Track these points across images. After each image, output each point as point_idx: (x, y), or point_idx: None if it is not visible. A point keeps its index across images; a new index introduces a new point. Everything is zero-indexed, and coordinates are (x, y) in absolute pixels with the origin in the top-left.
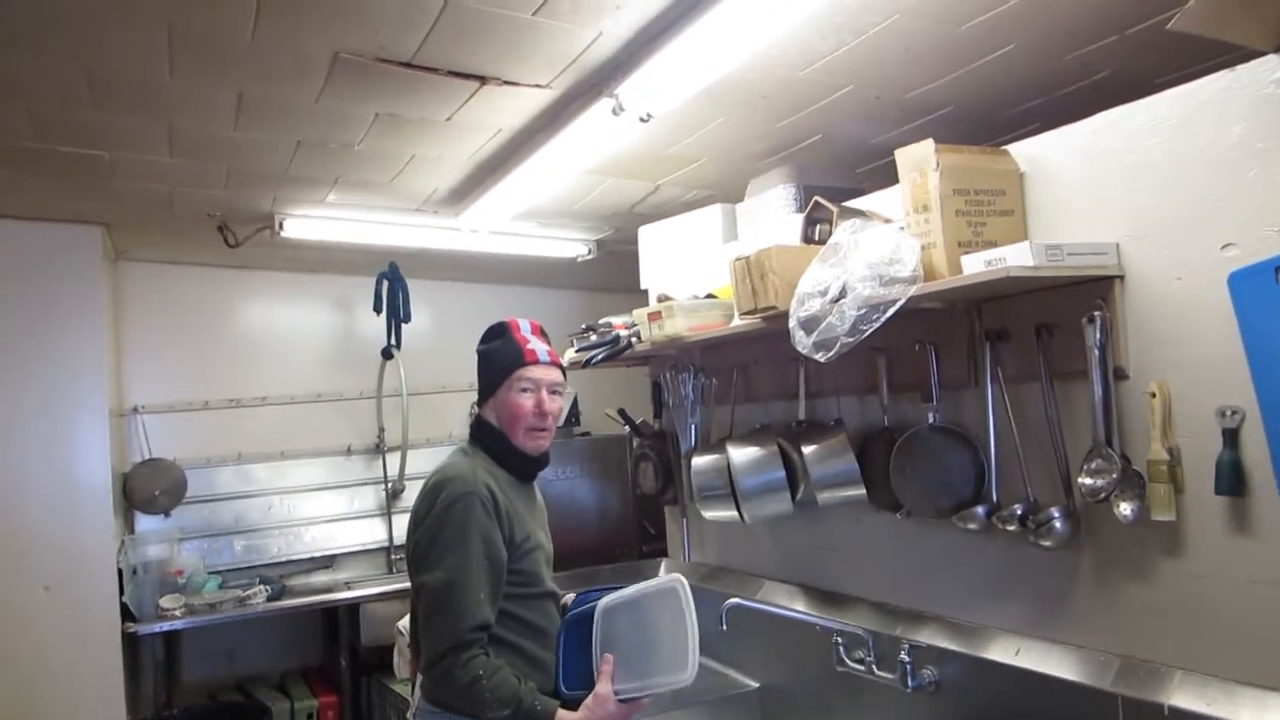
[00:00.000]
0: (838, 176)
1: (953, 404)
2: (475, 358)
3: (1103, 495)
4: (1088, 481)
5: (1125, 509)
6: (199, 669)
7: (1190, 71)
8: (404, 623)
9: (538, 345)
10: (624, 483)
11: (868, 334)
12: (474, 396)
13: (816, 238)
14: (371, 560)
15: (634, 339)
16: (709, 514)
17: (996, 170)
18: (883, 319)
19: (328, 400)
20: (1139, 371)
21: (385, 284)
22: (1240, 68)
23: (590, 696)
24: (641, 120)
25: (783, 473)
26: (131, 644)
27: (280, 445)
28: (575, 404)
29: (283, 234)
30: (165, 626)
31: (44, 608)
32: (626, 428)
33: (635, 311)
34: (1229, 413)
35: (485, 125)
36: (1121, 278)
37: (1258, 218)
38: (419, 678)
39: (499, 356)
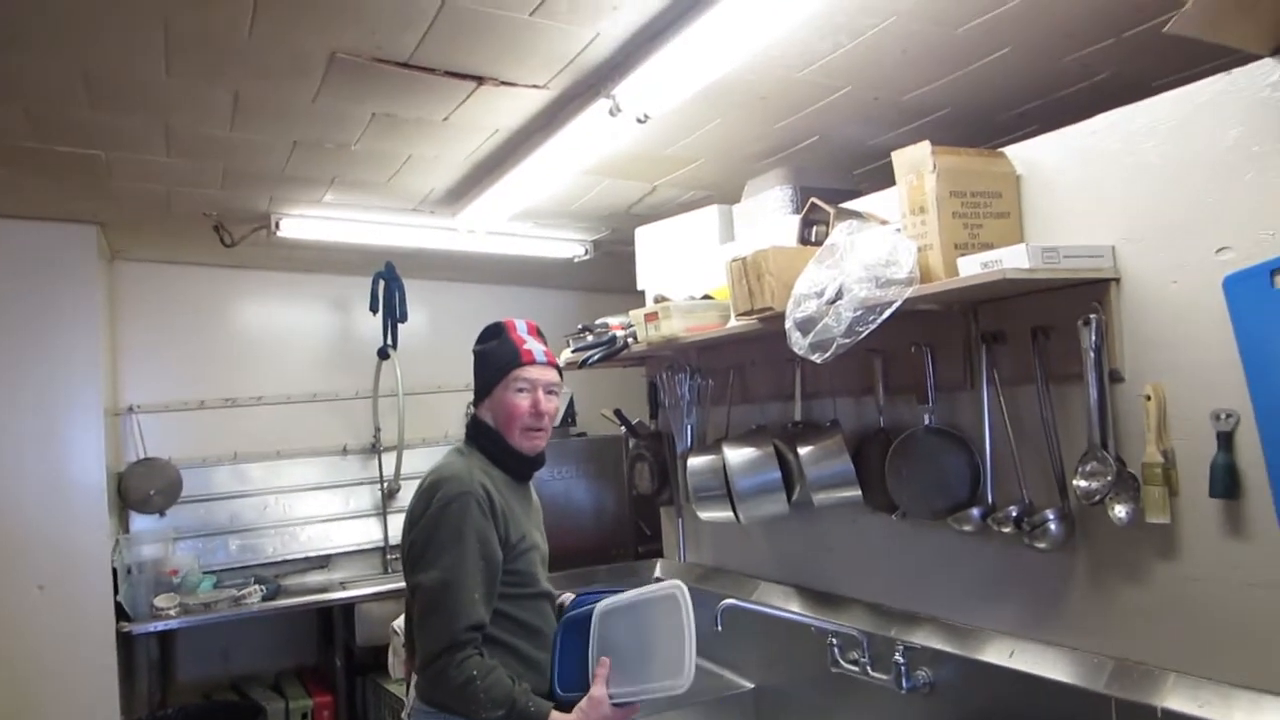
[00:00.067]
0: (835, 178)
1: (948, 406)
2: (471, 358)
3: (1097, 497)
4: (1083, 484)
5: (1120, 511)
6: (194, 668)
7: (1188, 74)
8: (399, 623)
9: (534, 345)
10: (620, 483)
11: (864, 335)
12: (470, 396)
13: (813, 239)
14: (367, 560)
15: (630, 339)
16: (705, 515)
17: (993, 172)
18: (879, 320)
19: (323, 400)
20: (1134, 374)
21: (381, 284)
22: (1237, 71)
23: (585, 699)
24: (639, 121)
25: (778, 474)
26: (126, 643)
27: (276, 445)
28: (571, 404)
29: (279, 234)
30: (160, 626)
31: (38, 607)
32: (622, 428)
33: (632, 312)
34: (1224, 416)
35: (482, 125)
36: (1117, 280)
37: (1253, 221)
38: (414, 678)
39: (495, 357)
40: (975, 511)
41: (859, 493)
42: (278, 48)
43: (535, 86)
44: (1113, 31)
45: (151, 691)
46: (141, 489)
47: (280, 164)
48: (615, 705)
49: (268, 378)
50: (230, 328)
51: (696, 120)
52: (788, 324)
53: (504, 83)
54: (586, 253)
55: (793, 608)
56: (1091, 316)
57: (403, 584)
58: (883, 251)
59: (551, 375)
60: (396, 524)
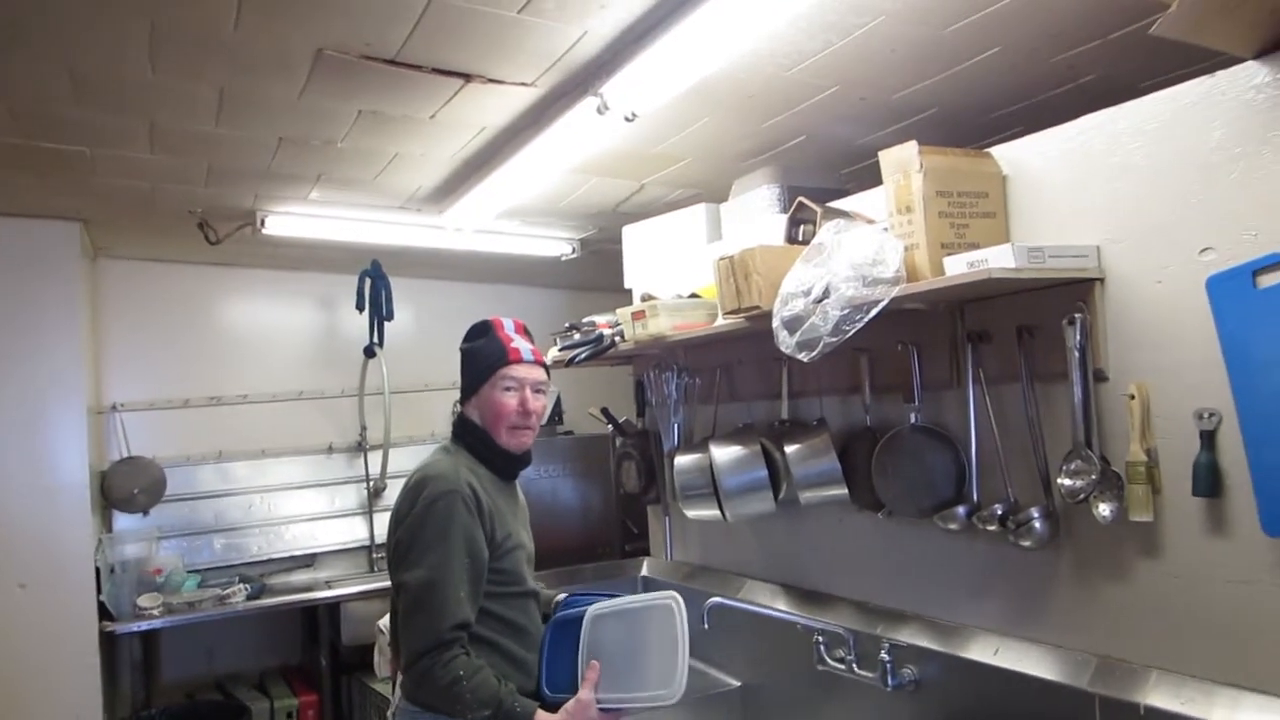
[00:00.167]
0: (822, 177)
1: (934, 404)
2: (458, 356)
3: (1082, 496)
4: (1067, 482)
5: (1104, 510)
6: (177, 668)
7: (1173, 76)
8: (384, 621)
9: (521, 344)
10: (607, 482)
11: (850, 334)
12: (456, 395)
13: (800, 238)
14: (352, 559)
15: (618, 338)
16: (691, 513)
17: (979, 172)
18: (865, 319)
19: (309, 398)
20: (1118, 373)
21: (368, 282)
22: (1220, 73)
23: (572, 701)
24: (626, 119)
25: (765, 472)
26: (109, 643)
27: (261, 443)
28: (558, 403)
29: (264, 231)
30: (143, 626)
31: (20, 606)
32: (609, 427)
33: (619, 310)
34: (1206, 415)
35: (469, 123)
36: (1102, 280)
37: (1236, 222)
38: (399, 677)
39: (482, 355)
40: (961, 510)
41: (845, 491)
42: (263, 44)
43: (522, 84)
44: (1099, 33)
45: (135, 691)
46: (125, 488)
47: (266, 161)
48: (602, 710)
49: (253, 376)
50: (215, 326)
51: (684, 119)
52: (775, 323)
53: (491, 80)
54: (574, 251)
55: (779, 606)
56: (1076, 316)
57: (388, 583)
58: (869, 251)
59: (539, 374)
60: (382, 523)
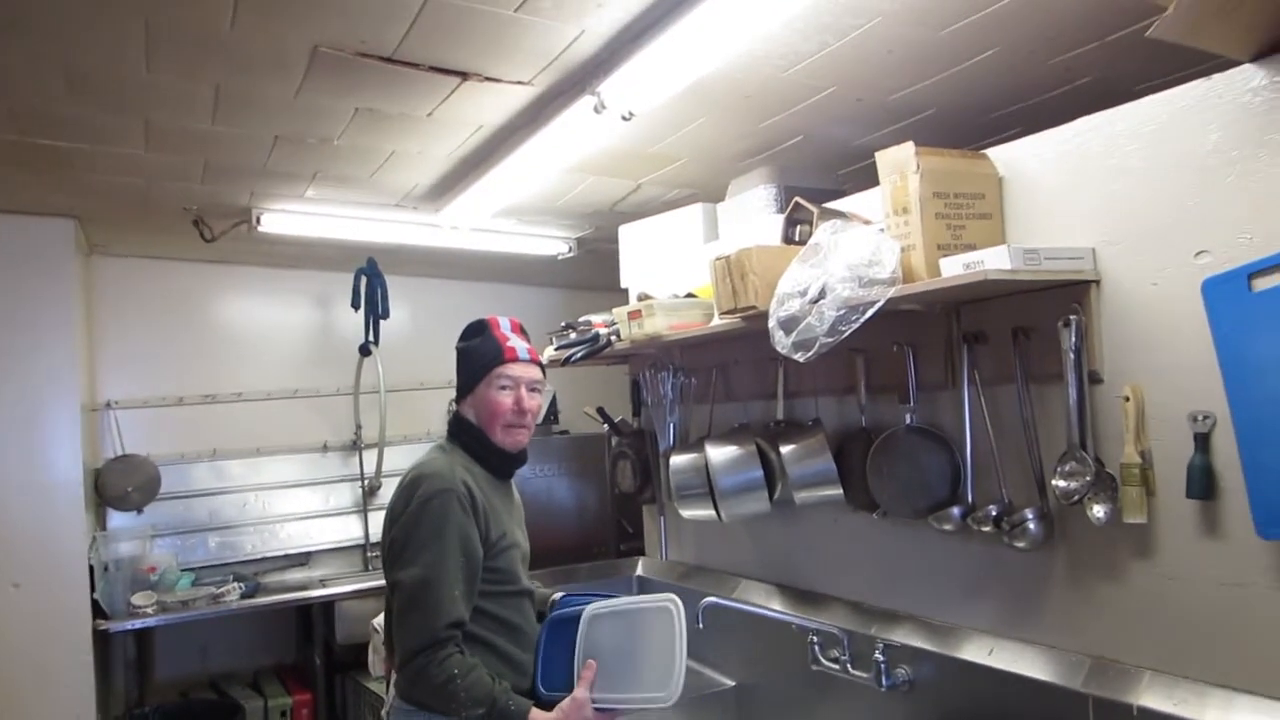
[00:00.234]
0: (819, 178)
1: (930, 405)
2: (454, 355)
3: (1076, 497)
4: (1061, 484)
5: (1098, 511)
6: (171, 667)
7: (1169, 79)
8: (379, 620)
9: (517, 343)
10: (602, 481)
11: (846, 335)
12: (452, 393)
13: (797, 238)
14: (347, 557)
15: (613, 337)
16: (687, 513)
17: (976, 174)
18: (861, 320)
19: (304, 396)
20: (1113, 375)
21: (363, 280)
22: (1217, 76)
23: (568, 699)
24: (623, 119)
25: (760, 472)
26: (102, 641)
27: (256, 441)
28: (554, 402)
29: (260, 229)
30: (137, 624)
31: (14, 605)
32: (605, 426)
33: (615, 310)
34: (1201, 417)
35: (466, 121)
36: (1097, 282)
37: (1232, 225)
38: (394, 676)
39: (478, 354)
40: (955, 511)
41: (840, 491)
42: (259, 42)
43: (519, 83)
44: (1096, 35)
45: (129, 690)
46: (119, 485)
47: (262, 159)
48: (597, 709)
49: (248, 374)
50: (210, 323)
51: (681, 118)
52: (771, 323)
53: (488, 79)
54: (570, 250)
55: (774, 606)
56: (1071, 318)
57: (383, 581)
58: (866, 251)
59: (534, 373)
60: (377, 521)
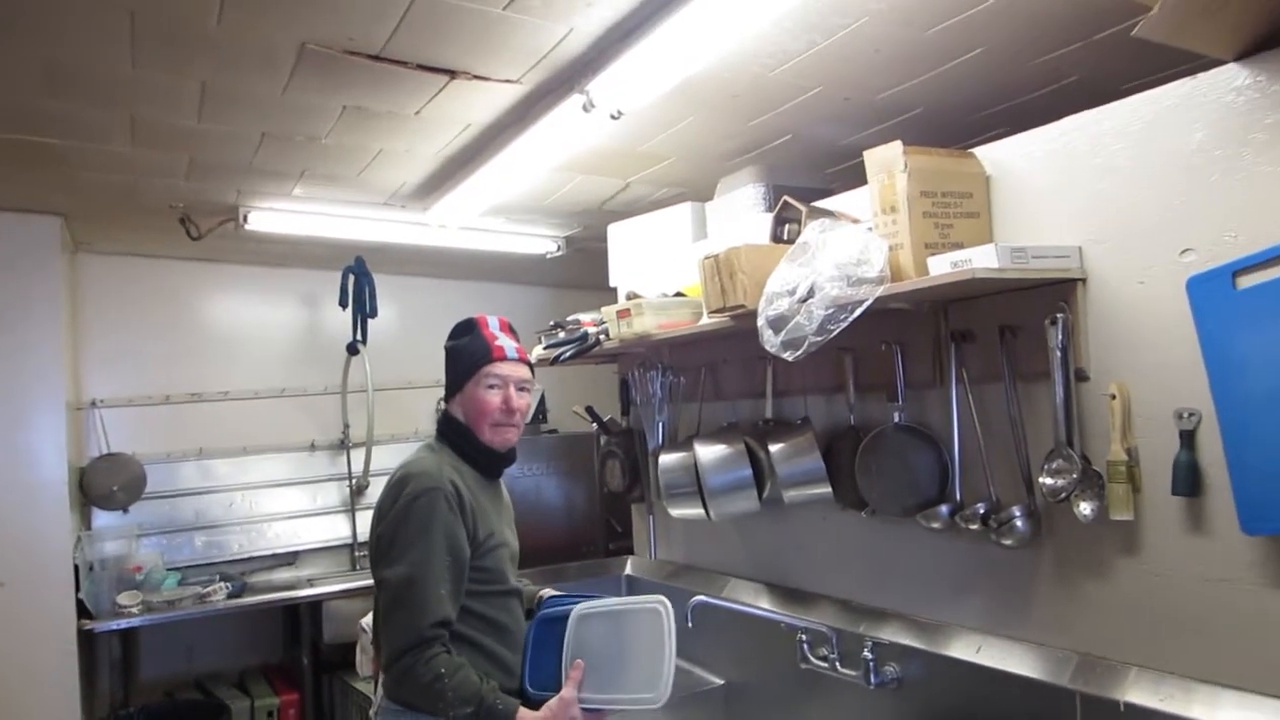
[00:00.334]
0: (807, 177)
1: (918, 404)
2: (442, 354)
3: (1063, 495)
4: (1049, 481)
5: (1085, 508)
6: (157, 667)
7: (1155, 78)
8: (367, 620)
9: (506, 342)
10: (591, 480)
11: (835, 334)
12: (440, 393)
13: (785, 237)
14: (334, 557)
15: (602, 336)
16: (675, 512)
17: (963, 173)
18: (850, 319)
19: (291, 395)
20: (1099, 373)
21: (351, 279)
22: (1202, 76)
23: (555, 699)
24: (612, 117)
25: (749, 471)
26: (87, 642)
27: (242, 440)
28: (543, 401)
29: (247, 227)
30: (122, 624)
31: None
32: (594, 425)
33: (604, 309)
34: (1186, 415)
35: (454, 120)
36: (1084, 281)
37: (1216, 223)
38: (381, 676)
39: (467, 353)
40: (943, 509)
41: (829, 490)
42: (247, 38)
43: (508, 81)
44: (1081, 35)
45: (113, 690)
46: (104, 484)
47: (249, 156)
48: (585, 709)
49: (234, 373)
50: (196, 322)
51: (670, 117)
52: (760, 322)
53: (476, 77)
54: (559, 249)
55: (763, 604)
56: (1058, 316)
57: (371, 581)
58: (854, 250)
59: (523, 372)
60: (365, 520)
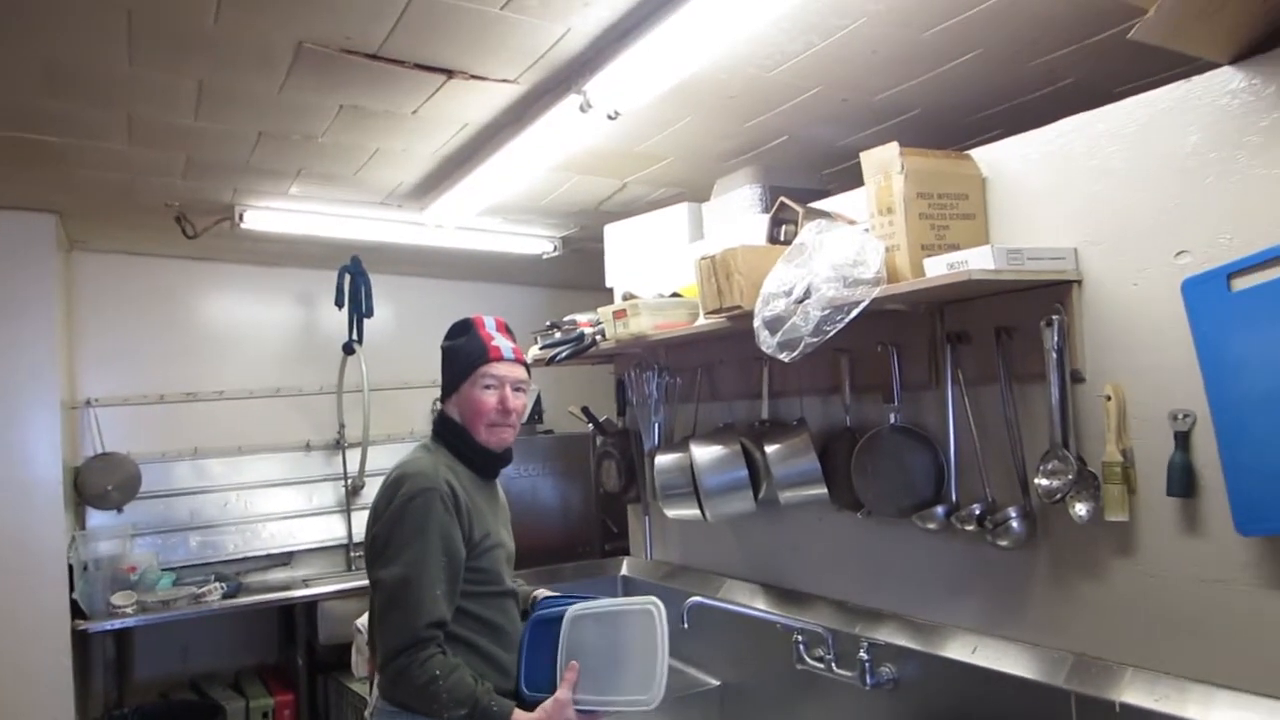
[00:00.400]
0: (804, 178)
1: (914, 405)
2: (438, 354)
3: (1058, 496)
4: (1044, 482)
5: (1080, 509)
6: (151, 667)
7: (1150, 81)
8: (362, 621)
9: (502, 342)
10: (587, 481)
11: (831, 335)
12: (436, 392)
13: (782, 238)
14: (330, 557)
15: (599, 337)
16: (671, 512)
17: (960, 174)
18: (846, 320)
19: (287, 395)
20: (1095, 374)
21: (347, 278)
22: (1196, 79)
23: (550, 700)
24: (609, 118)
25: (745, 472)
26: (81, 642)
27: (238, 440)
28: (539, 401)
29: (243, 226)
30: (116, 624)
31: None
32: (590, 426)
33: (600, 309)
34: (1181, 416)
35: (451, 119)
36: (1079, 282)
37: (1211, 225)
38: (377, 677)
39: (463, 353)
40: (939, 510)
41: (825, 491)
42: (244, 37)
43: (505, 81)
44: (1078, 37)
45: (108, 691)
46: (99, 484)
47: (245, 155)
48: (579, 711)
49: (230, 372)
50: (192, 321)
51: (667, 118)
52: (756, 322)
53: (474, 76)
54: (555, 249)
55: (759, 605)
56: (1054, 317)
57: (366, 582)
58: (850, 251)
59: (519, 372)
60: (360, 521)
